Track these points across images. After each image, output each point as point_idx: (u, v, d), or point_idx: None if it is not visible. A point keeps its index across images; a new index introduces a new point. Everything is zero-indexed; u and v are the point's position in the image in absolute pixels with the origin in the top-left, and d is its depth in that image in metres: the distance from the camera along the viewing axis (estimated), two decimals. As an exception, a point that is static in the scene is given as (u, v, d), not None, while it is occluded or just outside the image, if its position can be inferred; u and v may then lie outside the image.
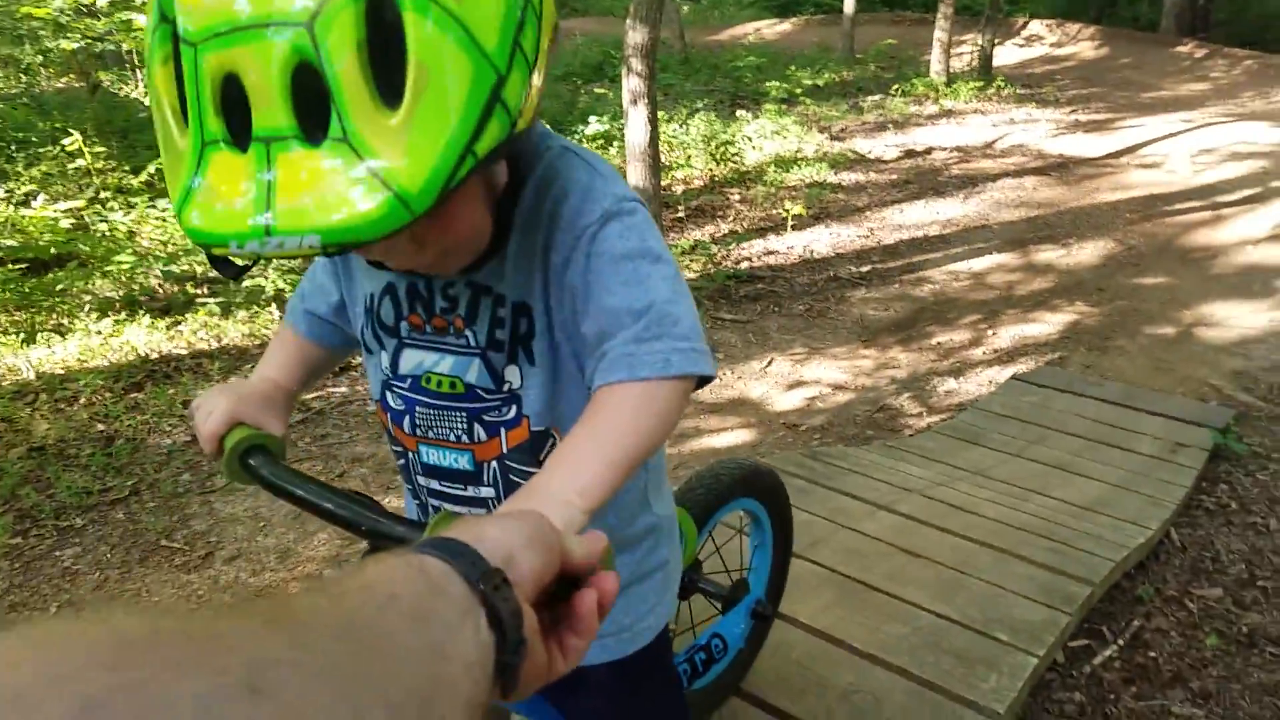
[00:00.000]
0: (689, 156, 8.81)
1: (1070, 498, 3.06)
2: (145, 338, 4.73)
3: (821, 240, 7.08)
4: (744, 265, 6.44)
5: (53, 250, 5.58)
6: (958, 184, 8.61)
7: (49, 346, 4.64)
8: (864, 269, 6.54)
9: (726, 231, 7.07)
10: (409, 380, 1.00)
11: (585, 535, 0.62)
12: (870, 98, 12.17)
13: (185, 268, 5.51)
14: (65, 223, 5.89)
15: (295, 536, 3.25)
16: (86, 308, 5.07)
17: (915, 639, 1.97)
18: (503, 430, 0.98)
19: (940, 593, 2.17)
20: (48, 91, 9.74)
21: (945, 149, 9.86)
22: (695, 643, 1.57)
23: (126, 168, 7.02)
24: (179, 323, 4.99)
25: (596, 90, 11.37)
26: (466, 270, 0.93)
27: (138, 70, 8.46)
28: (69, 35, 6.79)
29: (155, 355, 4.63)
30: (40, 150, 7.15)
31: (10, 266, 5.22)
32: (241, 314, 5.07)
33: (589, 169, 0.93)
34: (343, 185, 0.66)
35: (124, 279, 5.36)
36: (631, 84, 5.28)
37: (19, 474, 3.54)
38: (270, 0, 0.64)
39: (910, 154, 9.71)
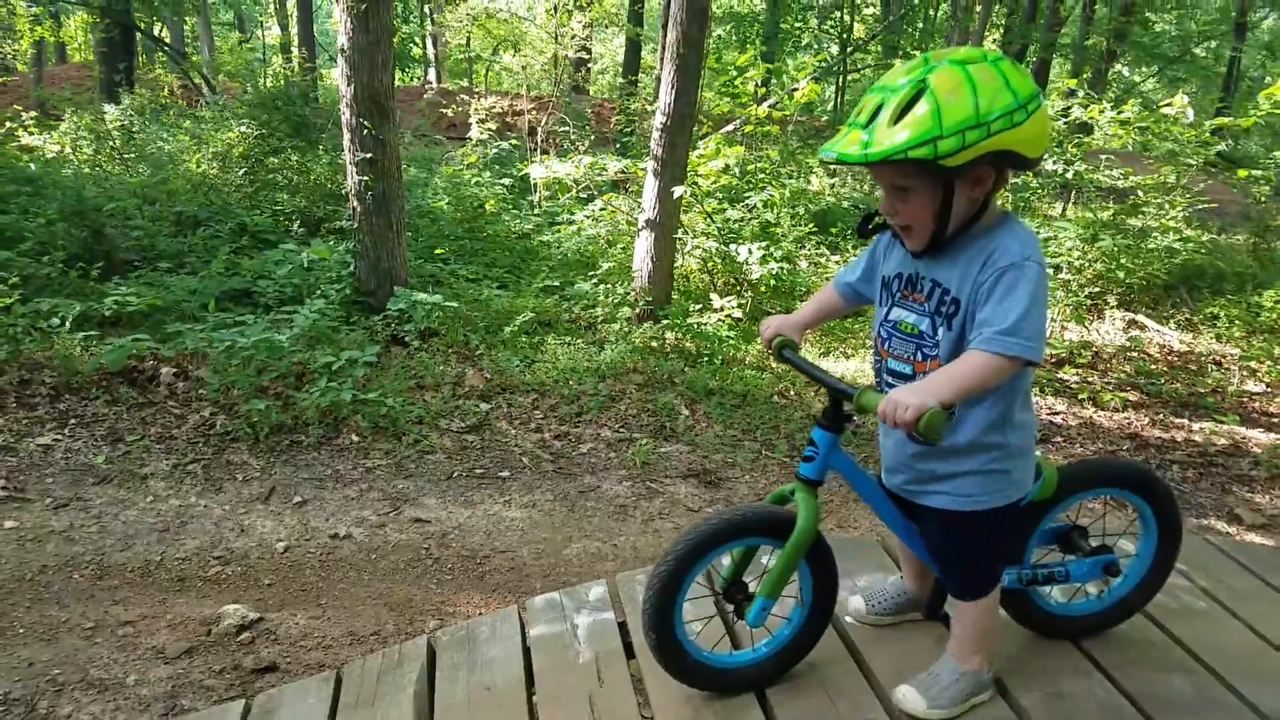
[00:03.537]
0: None
1: None
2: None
3: None
4: None
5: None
6: None
7: (839, 359, 6.73)
8: None
9: None
10: (890, 324, 1.78)
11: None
12: None
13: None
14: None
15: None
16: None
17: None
18: (928, 359, 1.72)
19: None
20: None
21: None
22: (1051, 562, 2.04)
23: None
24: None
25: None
26: (931, 268, 1.69)
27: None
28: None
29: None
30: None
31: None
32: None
33: (1018, 238, 1.60)
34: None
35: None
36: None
37: (798, 422, 5.47)
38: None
39: None
